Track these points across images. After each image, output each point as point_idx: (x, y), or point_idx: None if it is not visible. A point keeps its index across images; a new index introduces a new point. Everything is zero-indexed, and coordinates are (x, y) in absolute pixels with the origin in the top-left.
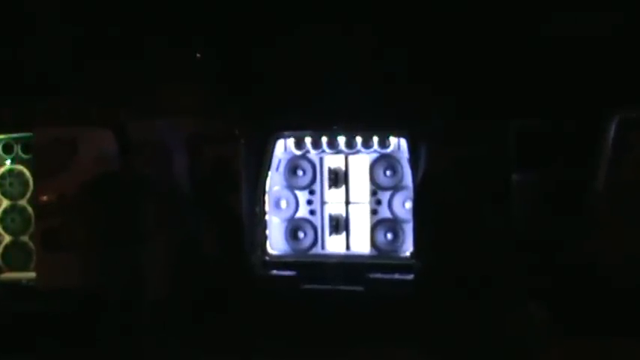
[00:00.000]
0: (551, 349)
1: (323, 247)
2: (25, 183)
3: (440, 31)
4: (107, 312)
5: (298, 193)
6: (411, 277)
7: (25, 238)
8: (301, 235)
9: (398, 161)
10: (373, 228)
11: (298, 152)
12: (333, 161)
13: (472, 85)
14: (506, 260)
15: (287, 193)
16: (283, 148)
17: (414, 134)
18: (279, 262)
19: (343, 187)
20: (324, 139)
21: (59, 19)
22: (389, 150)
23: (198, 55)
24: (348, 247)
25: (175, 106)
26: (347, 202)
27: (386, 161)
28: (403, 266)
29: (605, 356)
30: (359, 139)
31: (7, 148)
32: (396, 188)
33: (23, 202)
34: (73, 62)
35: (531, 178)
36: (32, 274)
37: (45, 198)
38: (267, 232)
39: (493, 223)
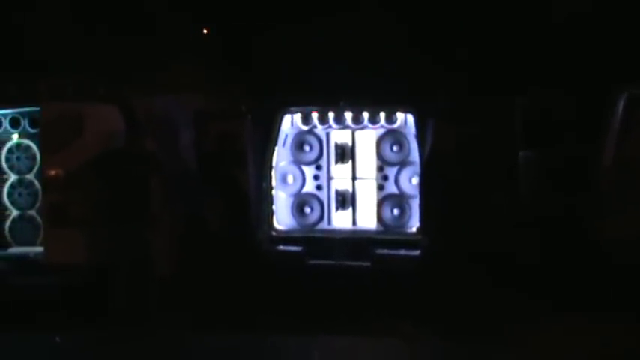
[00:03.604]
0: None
1: (329, 222)
2: (33, 157)
3: (447, 6)
4: (115, 287)
5: (305, 168)
6: (417, 252)
7: (32, 213)
8: (308, 210)
9: (405, 137)
10: (380, 204)
11: (305, 128)
12: (340, 137)
13: (479, 61)
14: (511, 236)
15: (293, 168)
16: (290, 123)
17: (421, 110)
18: (286, 238)
19: (350, 163)
20: (331, 115)
21: None
22: (396, 126)
23: (205, 30)
24: (354, 223)
25: (182, 83)
26: (353, 178)
27: (393, 137)
28: (409, 242)
29: (608, 333)
30: (366, 115)
31: (15, 123)
32: (402, 164)
33: (31, 177)
34: (80, 37)
35: (538, 154)
36: (40, 249)
37: (52, 172)
38: (274, 207)
39: (499, 199)
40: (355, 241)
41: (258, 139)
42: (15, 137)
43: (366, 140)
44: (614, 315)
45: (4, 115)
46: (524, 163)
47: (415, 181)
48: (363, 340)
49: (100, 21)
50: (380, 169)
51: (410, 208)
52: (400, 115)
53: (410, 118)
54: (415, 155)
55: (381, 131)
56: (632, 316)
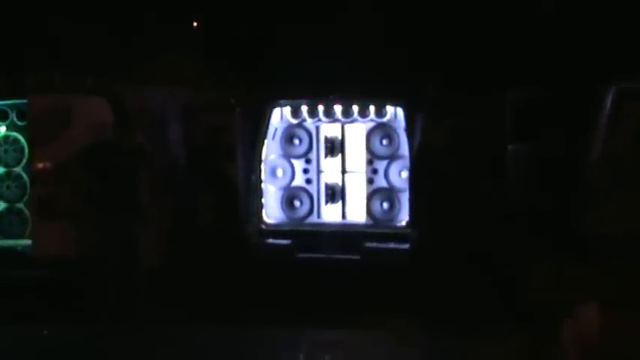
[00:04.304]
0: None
1: (319, 216)
2: (21, 150)
3: (437, 2)
4: (103, 280)
5: (294, 161)
6: (406, 246)
7: (20, 205)
8: (297, 203)
9: (394, 130)
10: (369, 197)
11: (295, 121)
12: (330, 130)
13: (468, 55)
14: (499, 230)
15: (283, 161)
16: (280, 116)
17: (411, 103)
18: (275, 231)
19: (339, 156)
20: (321, 108)
21: None
22: (385, 119)
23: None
24: (344, 216)
25: (171, 76)
26: (343, 171)
27: (382, 130)
28: (399, 235)
29: (598, 327)
30: (355, 108)
31: (2, 115)
32: (392, 157)
33: (19, 169)
34: (69, 30)
35: (527, 148)
36: (28, 242)
37: (40, 165)
38: (263, 200)
39: (488, 193)
40: (345, 235)
41: (247, 132)
42: (2, 130)
43: (356, 134)
44: (603, 307)
45: None
46: (513, 156)
47: (405, 174)
48: (352, 333)
49: (88, 14)
50: (369, 162)
51: (399, 202)
52: (390, 109)
53: (400, 111)
54: (405, 149)
55: (371, 125)
56: (620, 308)
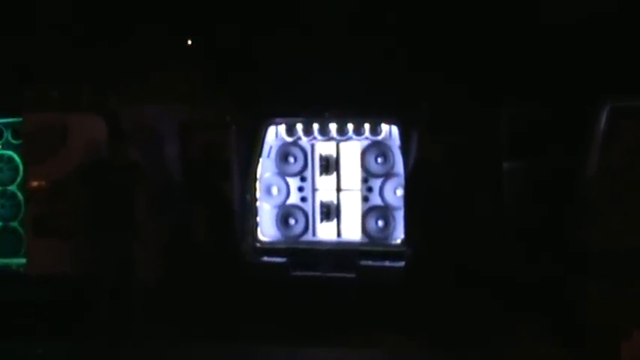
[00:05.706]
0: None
1: (314, 234)
2: (15, 168)
3: (431, 19)
4: (98, 298)
5: (289, 179)
6: (401, 264)
7: (15, 224)
8: (292, 221)
9: (389, 148)
10: (364, 215)
11: (289, 139)
12: (325, 148)
13: (464, 72)
14: (496, 247)
15: (278, 179)
16: (274, 134)
17: (406, 121)
18: (270, 249)
19: (334, 174)
20: (316, 126)
21: (50, 4)
22: (380, 137)
23: (189, 41)
24: (339, 234)
25: (166, 93)
26: (338, 189)
27: (377, 148)
28: (394, 253)
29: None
30: (350, 126)
31: None
32: (387, 175)
33: (13, 188)
34: (63, 48)
35: (522, 165)
36: (22, 260)
37: (35, 184)
38: (258, 218)
39: (483, 210)
40: (340, 253)
41: (242, 150)
42: None
43: (351, 151)
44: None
45: None
46: (508, 173)
47: (400, 192)
48: (347, 351)
49: (84, 32)
50: (364, 180)
51: (394, 220)
52: (385, 127)
53: (394, 129)
54: (400, 167)
55: (366, 143)
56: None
